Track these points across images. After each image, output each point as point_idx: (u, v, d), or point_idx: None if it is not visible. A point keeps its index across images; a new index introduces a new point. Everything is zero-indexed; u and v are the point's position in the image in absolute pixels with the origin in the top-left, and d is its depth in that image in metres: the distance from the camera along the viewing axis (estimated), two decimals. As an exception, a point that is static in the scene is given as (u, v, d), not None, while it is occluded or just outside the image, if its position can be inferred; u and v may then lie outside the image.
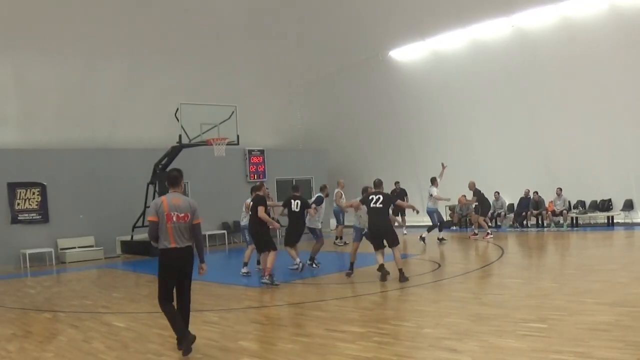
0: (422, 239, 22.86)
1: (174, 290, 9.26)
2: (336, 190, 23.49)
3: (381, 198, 15.14)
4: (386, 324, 10.30)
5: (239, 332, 10.45)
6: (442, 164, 23.94)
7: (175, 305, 9.24)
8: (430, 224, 23.50)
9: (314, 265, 17.95)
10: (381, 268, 15.16)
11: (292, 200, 17.32)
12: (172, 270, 9.15)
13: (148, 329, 10.32)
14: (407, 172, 31.26)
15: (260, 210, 15.20)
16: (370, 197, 15.28)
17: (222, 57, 29.08)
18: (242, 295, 14.72)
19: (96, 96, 26.95)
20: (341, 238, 25.08)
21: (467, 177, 25.16)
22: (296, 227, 17.44)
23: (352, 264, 16.33)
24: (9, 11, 22.64)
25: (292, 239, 17.40)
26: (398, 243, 15.28)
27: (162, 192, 24.17)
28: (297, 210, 17.20)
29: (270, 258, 15.19)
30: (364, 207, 15.75)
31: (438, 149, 30.59)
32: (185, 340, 8.87)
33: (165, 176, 9.67)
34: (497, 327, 9.40)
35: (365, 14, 27.76)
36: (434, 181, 23.44)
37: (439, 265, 17.09)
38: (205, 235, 28.34)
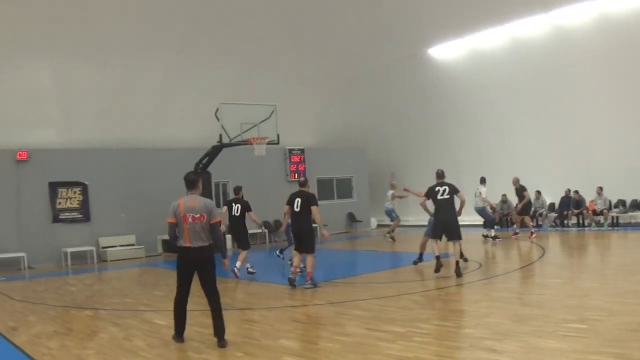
0: (493, 237, 23.03)
1: (194, 292, 9.78)
2: (390, 192, 23.68)
3: (447, 189, 15.15)
4: (427, 323, 10.18)
5: (280, 331, 10.37)
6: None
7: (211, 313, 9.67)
8: (483, 221, 23.75)
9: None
10: (438, 259, 15.18)
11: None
12: (187, 268, 9.64)
13: (188, 326, 10.24)
14: (447, 170, 30.84)
15: (315, 210, 14.94)
16: (437, 189, 15.18)
17: (262, 56, 28.99)
18: (283, 293, 14.62)
19: (137, 96, 27.00)
20: (393, 231, 25.20)
21: (507, 176, 24.85)
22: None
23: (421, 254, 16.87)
24: (49, 15, 22.75)
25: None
26: (460, 237, 15.33)
27: (203, 192, 24.26)
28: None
29: (309, 262, 14.95)
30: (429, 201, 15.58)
31: (479, 147, 30.35)
32: (219, 339, 9.46)
33: (184, 178, 10.01)
34: (538, 328, 9.24)
35: (405, 11, 27.48)
36: (483, 181, 23.28)
37: (480, 265, 16.88)
38: (245, 233, 28.45)
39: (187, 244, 9.46)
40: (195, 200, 9.65)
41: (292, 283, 14.87)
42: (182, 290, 9.77)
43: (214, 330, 9.54)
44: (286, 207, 15.41)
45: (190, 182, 9.93)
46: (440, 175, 15.55)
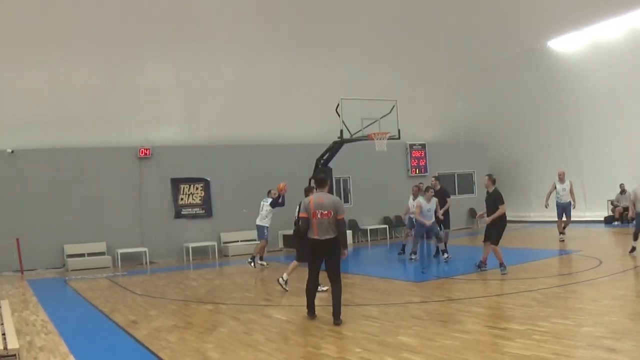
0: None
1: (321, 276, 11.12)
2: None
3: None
4: (545, 321, 9.86)
5: (399, 327, 10.24)
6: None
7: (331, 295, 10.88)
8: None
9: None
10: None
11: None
12: (315, 256, 11.08)
13: (309, 322, 10.24)
14: (570, 165, 29.77)
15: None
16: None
17: (382, 51, 28.68)
18: (403, 289, 14.48)
19: (257, 93, 27.11)
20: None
21: (628, 171, 23.77)
22: None
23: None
24: (169, 16, 23.04)
25: None
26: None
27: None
28: None
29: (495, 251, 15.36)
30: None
31: (600, 143, 29.21)
32: (335, 318, 10.55)
33: (313, 177, 10.42)
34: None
35: (523, 3, 26.72)
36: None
37: (600, 262, 16.18)
38: (366, 229, 28.22)
39: (316, 237, 10.85)
40: (324, 198, 10.99)
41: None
42: (312, 274, 11.19)
43: (332, 310, 10.60)
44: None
45: (320, 181, 11.40)
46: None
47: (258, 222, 20.07)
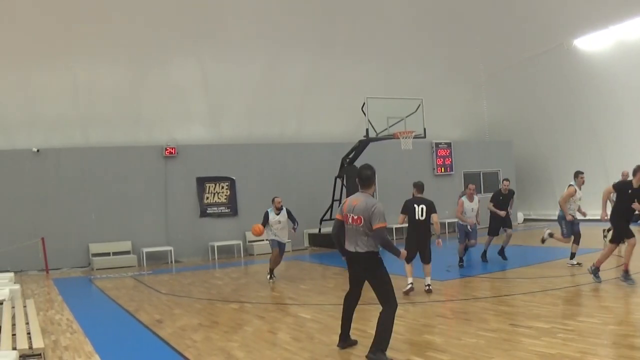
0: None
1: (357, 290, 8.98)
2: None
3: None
4: (571, 320, 9.86)
5: (425, 326, 10.28)
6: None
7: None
8: None
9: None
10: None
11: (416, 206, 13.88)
12: (349, 269, 8.87)
13: (334, 320, 10.15)
14: (595, 166, 29.47)
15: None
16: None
17: (408, 50, 28.60)
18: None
19: (282, 92, 27.15)
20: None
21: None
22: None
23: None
24: (193, 15, 23.12)
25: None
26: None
27: (350, 186, 24.08)
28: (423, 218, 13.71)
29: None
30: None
31: (626, 143, 28.85)
32: (370, 350, 8.23)
33: (357, 173, 8.92)
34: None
35: (549, 2, 26.53)
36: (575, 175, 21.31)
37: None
38: (392, 228, 28.05)
39: (346, 246, 8.69)
40: (359, 200, 8.56)
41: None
42: (350, 288, 8.98)
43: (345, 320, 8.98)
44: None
45: (364, 179, 8.74)
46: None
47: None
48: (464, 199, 17.67)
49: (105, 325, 12.15)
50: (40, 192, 22.61)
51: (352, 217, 8.48)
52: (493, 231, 18.64)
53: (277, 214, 17.48)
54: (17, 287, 12.69)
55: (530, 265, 16.21)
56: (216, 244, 24.55)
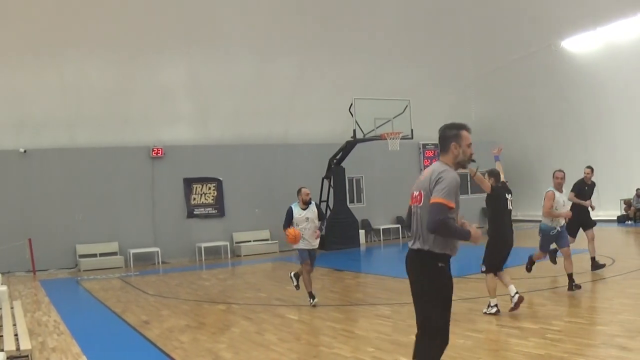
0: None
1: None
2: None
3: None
4: (559, 320, 9.86)
5: (411, 326, 10.02)
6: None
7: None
8: None
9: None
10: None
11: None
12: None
13: (321, 321, 10.16)
14: (582, 166, 29.50)
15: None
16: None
17: (395, 51, 28.63)
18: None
19: (269, 93, 27.10)
20: None
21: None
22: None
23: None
24: (180, 16, 23.09)
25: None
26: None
27: (337, 187, 24.13)
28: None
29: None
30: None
31: (613, 142, 29.04)
32: None
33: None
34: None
35: (537, 3, 26.62)
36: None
37: (613, 261, 16.10)
38: (379, 229, 28.11)
39: (411, 242, 5.96)
40: (427, 171, 5.91)
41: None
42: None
43: None
44: None
45: (439, 142, 6.07)
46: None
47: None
48: (552, 189, 13.25)
49: (92, 326, 12.09)
50: (27, 193, 22.50)
51: (413, 194, 5.84)
52: (572, 232, 14.61)
53: (304, 209, 13.46)
54: (4, 288, 12.66)
55: (517, 265, 16.24)
56: (203, 245, 24.49)
